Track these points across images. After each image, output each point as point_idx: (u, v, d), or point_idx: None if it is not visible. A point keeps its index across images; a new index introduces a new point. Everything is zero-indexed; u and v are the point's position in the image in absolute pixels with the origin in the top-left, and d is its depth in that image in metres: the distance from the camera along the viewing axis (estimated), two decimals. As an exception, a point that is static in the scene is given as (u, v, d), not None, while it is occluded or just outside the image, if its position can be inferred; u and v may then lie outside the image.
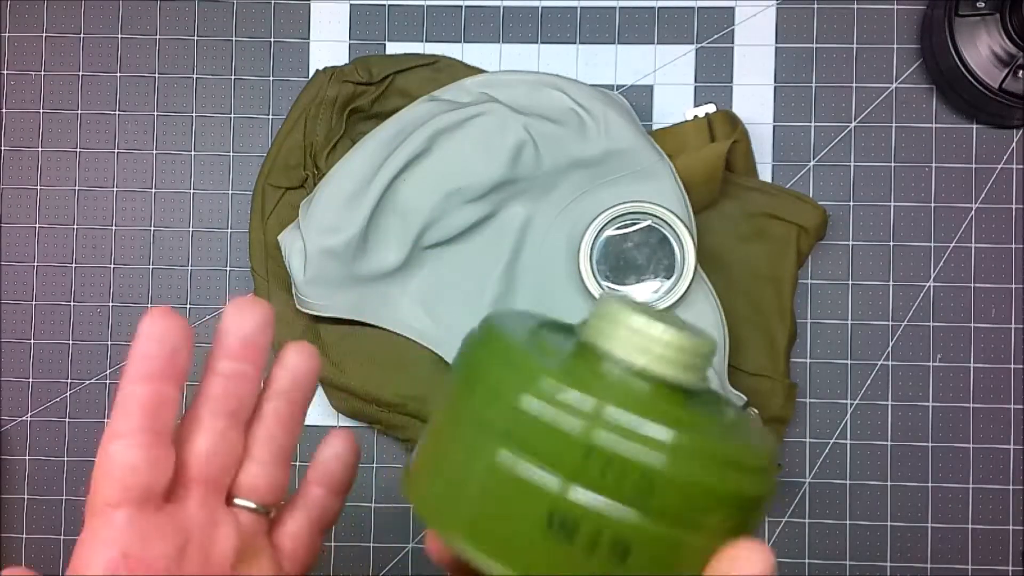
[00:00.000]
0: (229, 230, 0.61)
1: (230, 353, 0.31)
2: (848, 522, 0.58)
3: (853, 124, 0.60)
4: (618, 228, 0.54)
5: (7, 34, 0.62)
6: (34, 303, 0.61)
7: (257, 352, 0.32)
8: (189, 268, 0.61)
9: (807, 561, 0.58)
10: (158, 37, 0.62)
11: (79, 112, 0.62)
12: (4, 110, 0.62)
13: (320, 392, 0.60)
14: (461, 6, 0.61)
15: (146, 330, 0.30)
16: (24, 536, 0.61)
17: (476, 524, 0.23)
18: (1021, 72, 0.55)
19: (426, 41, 0.61)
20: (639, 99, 0.60)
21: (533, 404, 0.23)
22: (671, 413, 0.23)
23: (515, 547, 0.22)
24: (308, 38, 0.61)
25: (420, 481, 0.25)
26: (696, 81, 0.60)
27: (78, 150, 0.62)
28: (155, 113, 0.61)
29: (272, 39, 0.61)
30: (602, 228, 0.54)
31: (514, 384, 0.23)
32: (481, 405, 0.24)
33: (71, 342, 0.61)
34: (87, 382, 0.61)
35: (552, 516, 0.22)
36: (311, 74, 0.60)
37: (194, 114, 0.61)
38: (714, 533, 0.23)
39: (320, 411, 0.60)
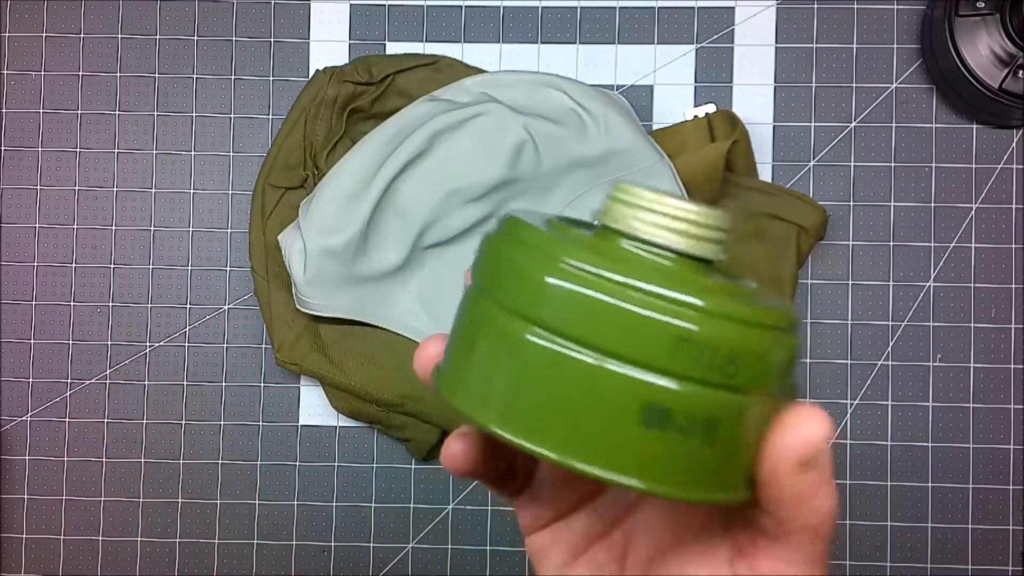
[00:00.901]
0: (229, 230, 0.61)
1: None
2: (848, 522, 0.58)
3: (853, 124, 0.60)
4: (618, 228, 0.54)
5: (7, 34, 0.62)
6: (34, 303, 0.61)
7: None
8: (189, 268, 0.61)
9: (807, 561, 0.58)
10: (158, 37, 0.62)
11: (79, 112, 0.62)
12: (4, 110, 0.62)
13: (320, 392, 0.60)
14: (461, 6, 0.61)
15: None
16: (24, 536, 0.61)
17: (537, 417, 0.23)
18: (1021, 72, 0.55)
19: (426, 41, 0.61)
20: (639, 99, 0.60)
21: (574, 284, 0.23)
22: (711, 287, 0.23)
23: (613, 456, 0.23)
24: (308, 38, 0.61)
25: (459, 381, 0.25)
26: (696, 81, 0.60)
27: (78, 150, 0.62)
28: (155, 113, 0.61)
29: (272, 39, 0.61)
30: (602, 228, 0.54)
31: (548, 264, 0.23)
32: (513, 292, 0.24)
33: (71, 342, 0.61)
34: (87, 382, 0.61)
35: (644, 408, 0.22)
36: (311, 74, 0.60)
37: (194, 114, 0.61)
38: (776, 397, 0.24)
39: (320, 411, 0.60)
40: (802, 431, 0.25)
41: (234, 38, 0.61)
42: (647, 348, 0.22)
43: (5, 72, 0.62)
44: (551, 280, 0.23)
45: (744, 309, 0.23)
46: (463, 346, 0.25)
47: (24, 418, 0.61)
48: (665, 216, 0.24)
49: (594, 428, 0.22)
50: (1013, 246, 0.59)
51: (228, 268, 0.61)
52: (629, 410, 0.22)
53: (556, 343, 0.23)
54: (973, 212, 0.59)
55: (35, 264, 0.61)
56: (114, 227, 0.61)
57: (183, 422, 0.60)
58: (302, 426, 0.60)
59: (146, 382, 0.61)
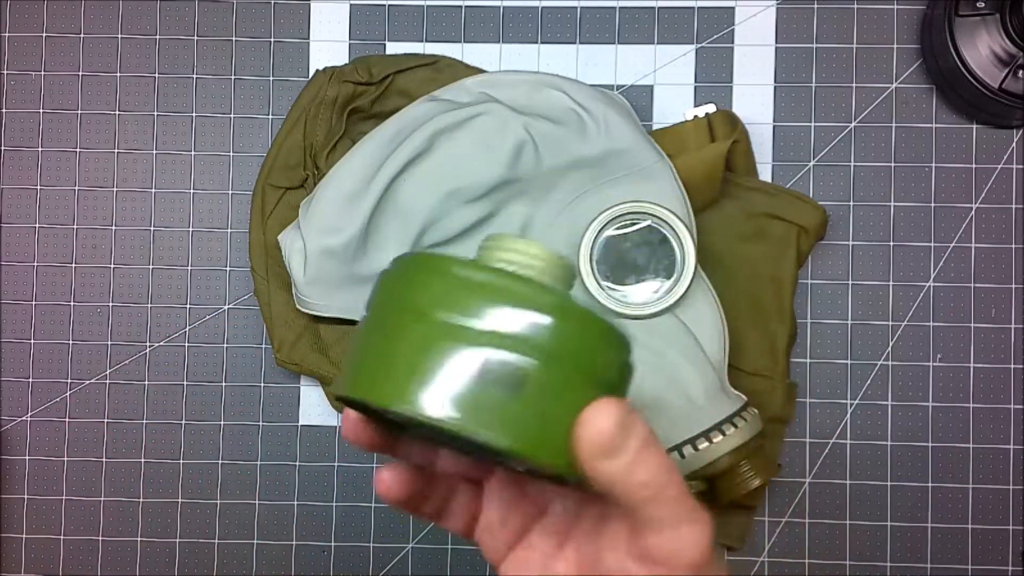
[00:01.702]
0: (229, 230, 0.61)
1: None
2: (848, 522, 0.58)
3: (853, 124, 0.60)
4: (618, 228, 0.54)
5: (7, 34, 0.62)
6: (34, 303, 0.61)
7: None
8: (189, 268, 0.61)
9: (807, 561, 0.58)
10: (158, 37, 0.62)
11: (79, 112, 0.62)
12: (4, 110, 0.62)
13: (320, 392, 0.60)
14: (461, 6, 0.61)
15: None
16: (24, 536, 0.61)
17: (414, 387, 0.29)
18: (1021, 72, 0.55)
19: (426, 41, 0.61)
20: (639, 99, 0.60)
21: (451, 284, 0.29)
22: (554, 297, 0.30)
23: (444, 394, 0.28)
24: (308, 38, 0.61)
25: (352, 373, 0.30)
26: (696, 81, 0.60)
27: (78, 150, 0.62)
28: (155, 113, 0.61)
29: (272, 39, 0.61)
30: (602, 228, 0.54)
31: (433, 278, 0.30)
32: (408, 297, 0.30)
33: (71, 342, 0.61)
34: (87, 382, 0.61)
35: (484, 365, 0.28)
36: (311, 74, 0.60)
37: (194, 114, 0.61)
38: (587, 386, 0.29)
39: (320, 411, 0.60)
40: (593, 423, 0.28)
41: (234, 38, 0.61)
42: (481, 317, 0.29)
43: (5, 72, 0.62)
44: (436, 278, 0.30)
45: (550, 298, 0.29)
46: (353, 350, 0.31)
47: (24, 418, 0.61)
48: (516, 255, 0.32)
49: (448, 386, 0.28)
50: (1013, 246, 0.59)
51: (228, 268, 0.61)
52: (469, 367, 0.28)
53: (428, 319, 0.29)
54: (973, 212, 0.59)
55: (35, 264, 0.61)
56: (114, 227, 0.61)
57: (183, 422, 0.60)
58: (302, 426, 0.60)
59: (146, 382, 0.61)
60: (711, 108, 0.58)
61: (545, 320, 0.29)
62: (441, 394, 0.28)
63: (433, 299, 0.29)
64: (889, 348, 0.59)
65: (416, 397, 0.28)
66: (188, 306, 0.61)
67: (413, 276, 0.30)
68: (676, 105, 0.60)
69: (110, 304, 0.61)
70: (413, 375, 0.28)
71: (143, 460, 0.61)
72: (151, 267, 0.61)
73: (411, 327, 0.29)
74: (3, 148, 0.62)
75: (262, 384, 0.60)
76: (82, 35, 0.62)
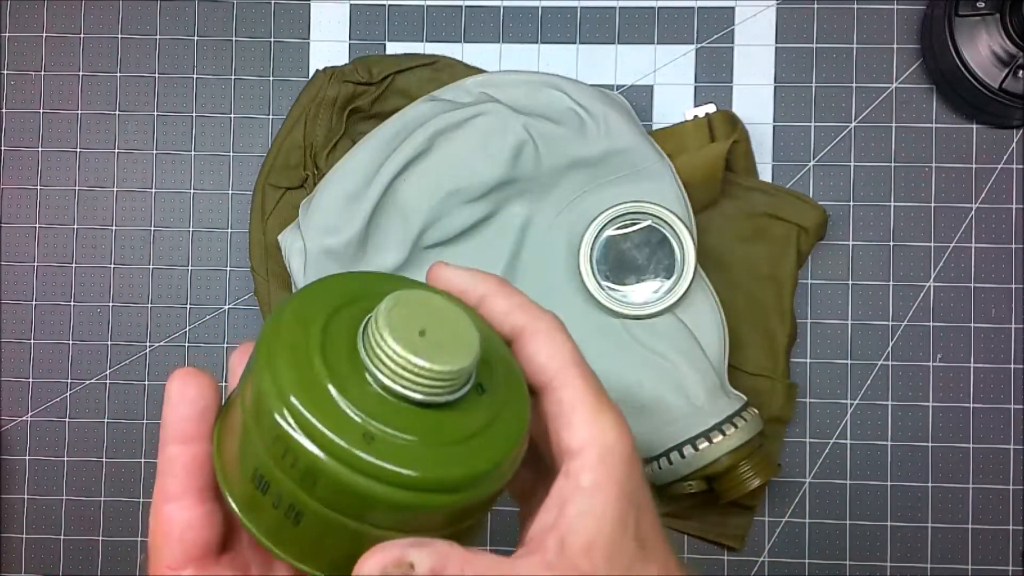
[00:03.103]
0: (229, 230, 0.61)
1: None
2: (848, 522, 0.58)
3: (853, 124, 0.60)
4: (618, 228, 0.54)
5: (7, 34, 0.62)
6: (34, 303, 0.61)
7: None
8: (189, 268, 0.61)
9: (807, 561, 0.58)
10: (158, 37, 0.62)
11: (79, 112, 0.62)
12: (4, 110, 0.62)
13: (320, 392, 0.60)
14: (461, 6, 0.61)
15: (177, 391, 0.31)
16: (24, 536, 0.61)
17: (224, 475, 0.30)
18: (1021, 72, 0.55)
19: (426, 41, 0.61)
20: (639, 99, 0.60)
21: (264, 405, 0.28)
22: (393, 421, 0.28)
23: (240, 493, 0.29)
24: (308, 38, 0.61)
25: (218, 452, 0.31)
26: (696, 81, 0.60)
27: (78, 150, 0.62)
28: (155, 113, 0.61)
29: (272, 39, 0.61)
30: (602, 228, 0.54)
31: (270, 389, 0.28)
32: (249, 390, 0.29)
33: (71, 342, 0.61)
34: (87, 382, 0.61)
35: (256, 472, 0.28)
36: (311, 74, 0.60)
37: (194, 114, 0.61)
38: (374, 525, 0.28)
39: (320, 411, 0.60)
40: (362, 568, 0.27)
41: (234, 38, 0.61)
42: (266, 434, 0.28)
43: (5, 72, 0.62)
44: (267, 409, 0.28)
45: (341, 448, 0.27)
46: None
47: (24, 418, 0.61)
48: (386, 363, 0.28)
49: (236, 478, 0.29)
50: (1013, 246, 0.59)
51: (228, 268, 0.61)
52: (248, 471, 0.29)
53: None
54: (973, 212, 0.59)
55: (35, 264, 0.61)
56: (114, 227, 0.61)
57: (183, 422, 0.60)
58: (302, 426, 0.60)
59: (146, 382, 0.61)
60: (711, 108, 0.58)
61: (320, 469, 0.27)
62: (243, 505, 0.29)
63: (256, 410, 0.28)
64: (889, 348, 0.59)
65: (231, 492, 0.30)
66: (188, 306, 0.61)
67: (264, 366, 0.28)
68: (676, 105, 0.60)
69: (110, 304, 0.61)
70: (236, 479, 0.29)
71: (143, 460, 0.61)
72: (151, 267, 0.61)
73: (243, 429, 0.29)
74: (3, 148, 0.62)
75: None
76: (82, 35, 0.62)
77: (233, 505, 0.29)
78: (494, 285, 0.32)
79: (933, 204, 0.59)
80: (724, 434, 0.51)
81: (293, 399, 0.27)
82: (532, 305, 0.32)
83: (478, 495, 0.28)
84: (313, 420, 0.27)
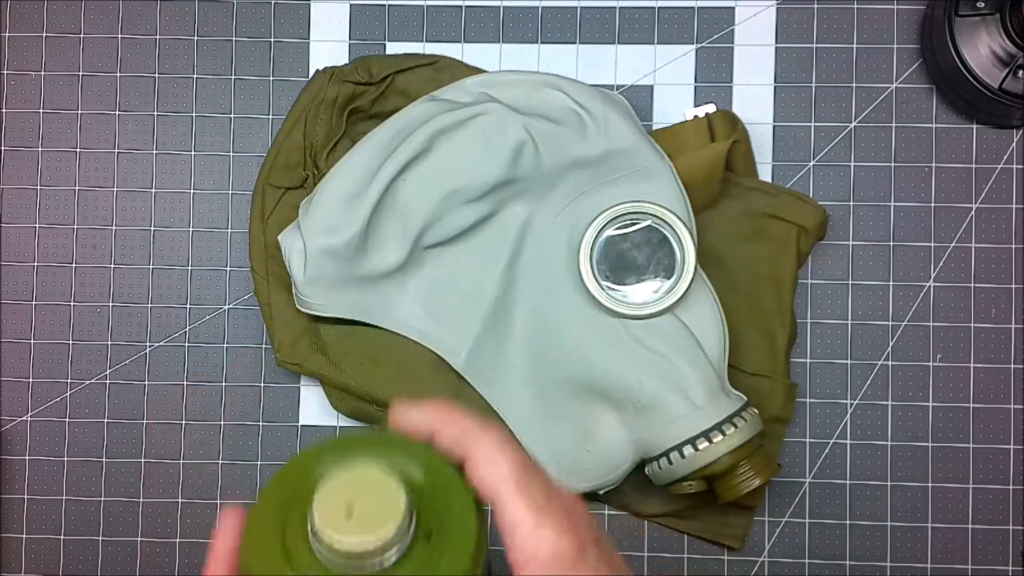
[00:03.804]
0: (229, 230, 0.61)
1: None
2: (848, 522, 0.58)
3: (853, 124, 0.60)
4: (618, 228, 0.54)
5: (7, 34, 0.62)
6: (34, 303, 0.61)
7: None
8: (189, 268, 0.61)
9: (807, 561, 0.58)
10: (158, 37, 0.62)
11: (79, 112, 0.62)
12: (4, 110, 0.62)
13: (320, 392, 0.60)
14: (461, 6, 0.61)
15: (230, 524, 0.35)
16: (24, 536, 0.61)
17: None
18: (1021, 72, 0.55)
19: (426, 41, 0.61)
20: (639, 99, 0.60)
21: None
22: None
23: None
24: (308, 38, 0.61)
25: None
26: (696, 81, 0.60)
27: (78, 150, 0.62)
28: (155, 113, 0.61)
29: (272, 39, 0.61)
30: (602, 228, 0.54)
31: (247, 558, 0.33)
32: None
33: (71, 342, 0.61)
34: (87, 382, 0.61)
35: None
36: (311, 74, 0.60)
37: (194, 114, 0.61)
38: None
39: (320, 411, 0.60)
40: None
41: (234, 38, 0.61)
42: None
43: (5, 72, 0.62)
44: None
45: None
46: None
47: (24, 418, 0.61)
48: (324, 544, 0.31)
49: None
50: (1013, 246, 0.59)
51: (228, 268, 0.61)
52: None
53: None
54: (973, 212, 0.59)
55: (35, 264, 0.61)
56: (114, 227, 0.61)
57: (183, 422, 0.60)
58: (302, 426, 0.60)
59: (146, 382, 0.61)
60: (711, 108, 0.58)
61: None
62: None
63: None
64: (889, 348, 0.59)
65: None
66: (188, 306, 0.61)
67: (243, 551, 0.33)
68: (676, 105, 0.60)
69: (110, 304, 0.61)
70: None
71: (143, 460, 0.61)
72: (151, 267, 0.61)
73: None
74: (3, 148, 0.62)
75: (262, 384, 0.60)
76: (82, 35, 0.62)
77: None
78: (443, 416, 0.35)
79: (933, 204, 0.59)
80: (724, 434, 0.51)
81: None
82: (476, 429, 0.34)
83: None
84: None
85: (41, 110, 0.62)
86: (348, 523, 0.31)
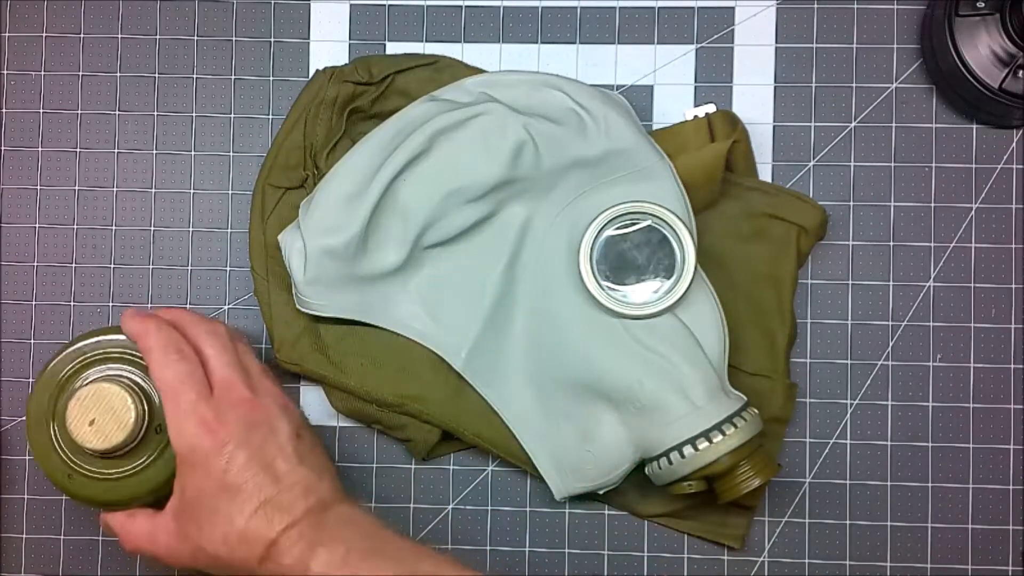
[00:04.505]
0: (229, 230, 0.61)
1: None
2: (848, 522, 0.58)
3: (853, 124, 0.60)
4: (618, 228, 0.54)
5: (7, 34, 0.62)
6: (34, 303, 0.61)
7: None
8: (189, 268, 0.61)
9: (807, 561, 0.58)
10: (158, 37, 0.62)
11: (79, 112, 0.62)
12: (4, 110, 0.62)
13: (320, 392, 0.60)
14: (461, 6, 0.61)
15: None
16: (24, 536, 0.61)
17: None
18: (1021, 72, 0.55)
19: (426, 41, 0.61)
20: (639, 99, 0.60)
21: None
22: None
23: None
24: (308, 38, 0.61)
25: None
26: (696, 81, 0.60)
27: (78, 150, 0.62)
28: (155, 113, 0.61)
29: (272, 39, 0.61)
30: (602, 228, 0.54)
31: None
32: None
33: (71, 342, 0.61)
34: (87, 382, 0.61)
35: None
36: (311, 74, 0.60)
37: (194, 114, 0.61)
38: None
39: (320, 411, 0.60)
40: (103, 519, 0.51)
41: (234, 38, 0.61)
42: None
43: (5, 72, 0.62)
44: None
45: None
46: None
47: (24, 418, 0.61)
48: None
49: None
50: (1013, 246, 0.59)
51: (228, 268, 0.61)
52: None
53: None
54: (973, 212, 0.59)
55: (35, 264, 0.61)
56: (114, 227, 0.61)
57: (183, 422, 0.60)
58: (302, 426, 0.60)
59: (146, 382, 0.61)
60: (711, 108, 0.58)
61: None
62: None
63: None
64: (889, 348, 0.59)
65: None
66: (188, 306, 0.61)
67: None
68: (676, 105, 0.60)
69: (110, 304, 0.61)
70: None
71: (143, 460, 0.60)
72: (151, 267, 0.61)
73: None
74: (3, 148, 0.62)
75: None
76: (82, 35, 0.62)
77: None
78: (155, 323, 0.50)
79: (933, 204, 0.59)
80: (724, 434, 0.51)
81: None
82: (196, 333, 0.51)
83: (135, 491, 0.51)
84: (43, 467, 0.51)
85: (41, 110, 0.62)
86: (91, 432, 0.48)
